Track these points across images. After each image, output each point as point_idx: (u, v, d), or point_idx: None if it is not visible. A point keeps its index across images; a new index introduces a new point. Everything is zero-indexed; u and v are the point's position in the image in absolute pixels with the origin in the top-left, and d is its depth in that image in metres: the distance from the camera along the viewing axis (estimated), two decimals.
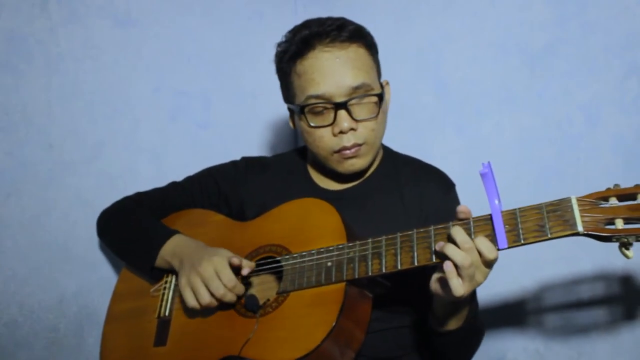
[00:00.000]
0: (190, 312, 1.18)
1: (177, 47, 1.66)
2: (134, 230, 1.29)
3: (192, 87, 1.70)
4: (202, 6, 1.73)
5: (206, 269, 1.09)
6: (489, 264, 0.94)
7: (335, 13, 1.25)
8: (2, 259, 1.35)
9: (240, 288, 1.11)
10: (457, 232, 0.94)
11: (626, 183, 0.93)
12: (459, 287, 0.91)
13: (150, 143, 1.60)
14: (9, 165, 1.36)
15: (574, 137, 1.42)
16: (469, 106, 1.59)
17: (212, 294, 1.09)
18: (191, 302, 1.11)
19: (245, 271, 1.12)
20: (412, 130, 1.68)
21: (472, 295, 1.09)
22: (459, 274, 0.92)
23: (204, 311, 1.15)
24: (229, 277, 1.09)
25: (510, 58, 1.52)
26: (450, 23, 1.63)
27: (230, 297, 1.10)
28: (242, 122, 1.81)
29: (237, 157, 1.41)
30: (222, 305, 1.13)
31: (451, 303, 1.03)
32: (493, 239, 0.94)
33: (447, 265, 0.91)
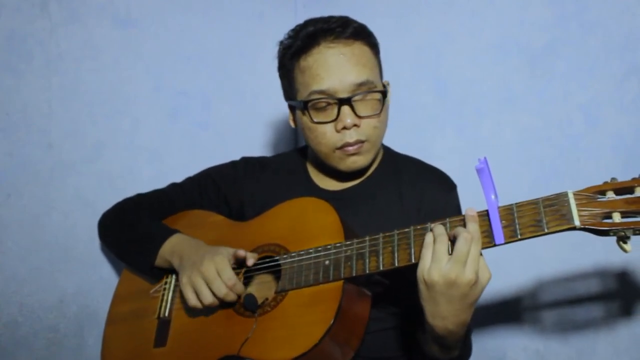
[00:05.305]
0: (190, 312, 1.18)
1: (177, 47, 1.66)
2: (133, 231, 1.30)
3: (192, 87, 1.70)
4: (202, 6, 1.73)
5: (208, 268, 1.09)
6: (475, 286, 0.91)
7: (336, 13, 1.24)
8: (3, 259, 1.35)
9: (240, 287, 1.11)
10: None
11: (622, 179, 0.93)
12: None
13: (150, 143, 1.60)
14: (9, 165, 1.36)
15: (574, 137, 1.42)
16: (469, 106, 1.59)
17: (214, 294, 1.09)
18: (193, 301, 1.11)
19: (250, 262, 1.12)
20: (411, 130, 1.68)
21: (465, 337, 1.06)
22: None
23: (204, 311, 1.15)
24: (229, 275, 1.09)
25: (510, 58, 1.52)
26: (450, 23, 1.63)
27: (231, 297, 1.10)
28: (242, 122, 1.82)
29: (237, 157, 1.41)
30: (223, 305, 1.13)
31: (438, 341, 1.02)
32: (490, 235, 0.94)
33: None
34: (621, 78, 1.35)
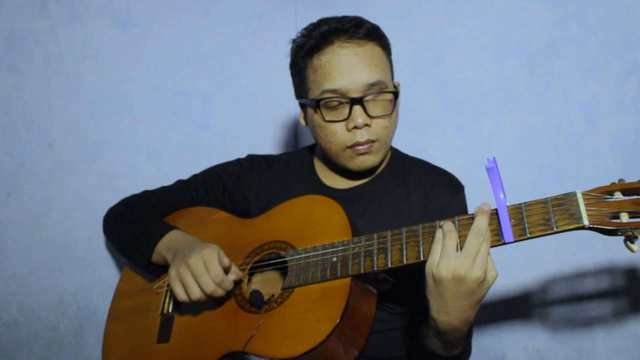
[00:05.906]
0: (194, 308, 1.17)
1: (177, 47, 1.66)
2: (134, 226, 1.30)
3: (192, 87, 1.70)
4: (201, 6, 1.73)
5: (196, 262, 1.08)
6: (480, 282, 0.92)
7: (336, 13, 1.25)
8: (3, 259, 1.35)
9: (228, 283, 1.09)
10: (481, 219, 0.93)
11: (629, 180, 0.93)
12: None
13: (150, 143, 1.60)
14: (9, 165, 1.36)
15: (574, 137, 1.42)
16: (469, 106, 1.59)
17: (201, 289, 1.08)
18: (181, 295, 1.09)
19: (231, 276, 1.10)
20: (412, 130, 1.68)
21: (467, 336, 1.08)
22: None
23: (208, 307, 1.15)
24: (217, 271, 1.07)
25: (510, 58, 1.52)
26: (450, 23, 1.63)
27: (219, 293, 1.09)
28: (242, 122, 1.82)
29: (237, 157, 1.41)
30: (214, 300, 1.12)
31: (442, 337, 1.03)
32: (499, 233, 0.94)
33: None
34: (621, 78, 1.36)
